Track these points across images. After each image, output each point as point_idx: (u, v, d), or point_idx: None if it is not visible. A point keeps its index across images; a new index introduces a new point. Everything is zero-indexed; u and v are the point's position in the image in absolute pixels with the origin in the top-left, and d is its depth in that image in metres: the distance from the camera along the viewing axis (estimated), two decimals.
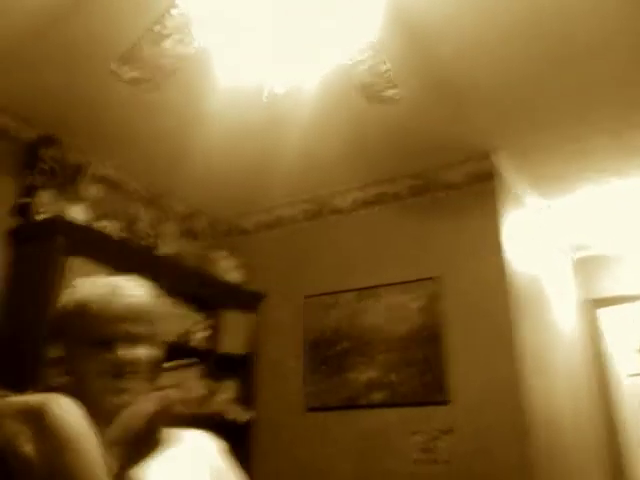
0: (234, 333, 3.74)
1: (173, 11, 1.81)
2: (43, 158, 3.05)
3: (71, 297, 1.22)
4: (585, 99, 2.89)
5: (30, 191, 2.99)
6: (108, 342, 1.17)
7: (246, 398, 3.73)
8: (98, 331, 1.17)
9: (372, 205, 3.74)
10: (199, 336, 3.55)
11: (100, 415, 1.14)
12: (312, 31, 1.83)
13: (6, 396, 0.82)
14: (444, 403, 3.15)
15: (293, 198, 3.96)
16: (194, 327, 3.54)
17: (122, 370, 1.17)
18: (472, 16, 2.35)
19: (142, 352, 1.20)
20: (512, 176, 3.58)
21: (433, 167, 3.54)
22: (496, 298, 3.17)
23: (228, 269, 3.83)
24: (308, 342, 3.67)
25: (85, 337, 1.17)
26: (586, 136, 3.20)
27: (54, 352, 1.23)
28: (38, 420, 0.77)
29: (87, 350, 1.17)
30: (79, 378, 1.18)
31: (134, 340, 1.19)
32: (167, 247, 3.50)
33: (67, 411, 0.82)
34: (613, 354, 4.75)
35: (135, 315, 1.20)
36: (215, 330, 3.64)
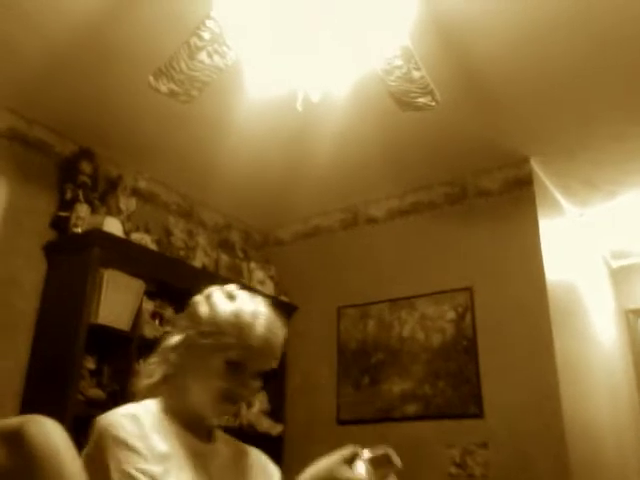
0: None
1: (208, 23, 1.83)
2: (81, 171, 3.10)
3: (227, 305, 1.23)
4: (629, 100, 2.83)
5: (67, 204, 3.04)
6: (237, 365, 1.19)
7: (277, 410, 3.71)
8: (236, 351, 1.18)
9: (407, 214, 3.72)
10: None
11: (188, 420, 1.21)
12: (345, 37, 1.84)
13: None
14: (480, 416, 3.09)
15: (328, 207, 3.96)
16: None
17: (235, 397, 1.21)
18: (508, 18, 2.33)
19: (258, 385, 1.24)
20: (550, 182, 3.52)
21: (469, 173, 3.51)
22: (534, 308, 3.11)
23: (262, 280, 3.84)
24: (341, 353, 3.65)
25: (220, 349, 1.19)
26: (630, 138, 3.12)
27: (173, 338, 1.25)
28: (17, 440, 0.76)
29: (213, 360, 1.19)
30: (187, 379, 1.22)
31: (260, 375, 1.23)
32: (201, 258, 3.51)
33: (47, 430, 0.81)
34: None
35: (271, 353, 1.22)
36: None
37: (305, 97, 1.91)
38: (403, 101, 2.23)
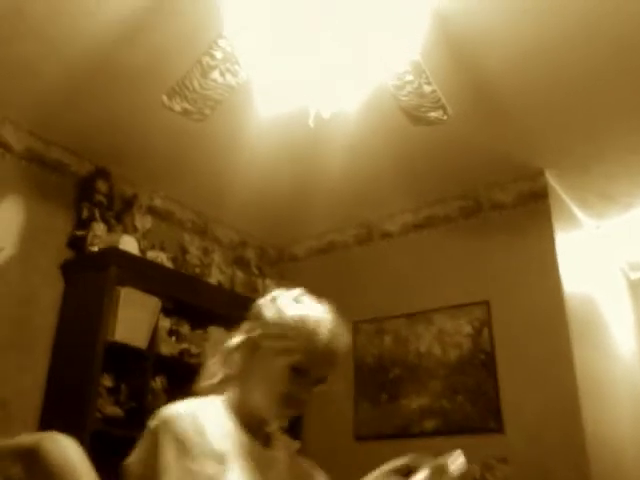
0: None
1: (220, 42, 1.85)
2: (98, 190, 3.14)
3: (294, 310, 1.22)
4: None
5: (84, 223, 3.08)
6: (300, 370, 1.18)
7: (295, 427, 3.69)
8: (300, 356, 1.18)
9: (422, 228, 3.71)
10: None
11: (249, 421, 1.21)
12: (356, 52, 1.85)
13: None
14: (499, 431, 3.06)
15: (343, 223, 3.96)
16: None
17: (297, 402, 1.20)
18: (519, 29, 2.33)
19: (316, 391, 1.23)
20: (565, 195, 3.50)
21: (483, 186, 3.50)
22: (552, 321, 3.07)
23: None
24: (358, 369, 3.63)
25: (285, 353, 1.18)
26: None
27: (236, 338, 1.25)
28: (33, 457, 0.77)
29: (277, 364, 1.18)
30: (250, 381, 1.22)
31: (321, 382, 1.23)
32: (217, 276, 3.53)
33: (63, 447, 0.81)
34: None
35: (334, 359, 1.22)
36: None
37: (317, 113, 1.93)
38: (414, 116, 2.23)
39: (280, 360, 1.18)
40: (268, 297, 1.27)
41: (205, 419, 1.14)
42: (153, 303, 3.03)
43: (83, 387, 2.70)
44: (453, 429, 3.19)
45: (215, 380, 1.27)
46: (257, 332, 1.22)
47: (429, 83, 2.05)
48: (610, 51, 2.43)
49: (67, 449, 0.80)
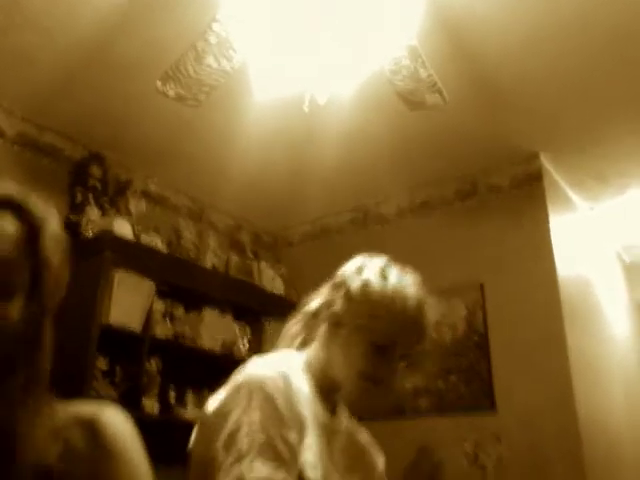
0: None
1: (215, 26, 1.83)
2: (92, 175, 3.12)
3: (379, 284, 1.17)
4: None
5: (78, 208, 3.06)
6: (384, 347, 1.14)
7: None
8: (383, 334, 1.14)
9: (417, 212, 3.71)
10: (243, 346, 3.57)
11: (323, 385, 1.17)
12: (351, 37, 1.83)
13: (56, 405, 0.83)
14: (492, 410, 3.09)
15: (338, 208, 3.95)
16: (238, 338, 3.55)
17: (377, 379, 1.15)
18: (516, 15, 2.31)
19: (403, 367, 1.18)
20: (560, 177, 3.50)
21: (479, 170, 3.50)
22: (546, 303, 3.09)
23: (272, 280, 3.84)
24: None
25: (367, 330, 1.14)
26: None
27: (314, 303, 1.24)
28: (89, 429, 0.78)
29: (358, 340, 1.14)
30: (330, 350, 1.18)
31: (407, 357, 1.17)
32: (211, 259, 3.53)
33: (117, 421, 0.82)
34: None
35: (420, 335, 1.17)
36: (259, 340, 3.65)
37: (312, 98, 1.91)
38: (411, 100, 2.22)
39: (361, 337, 1.14)
40: (353, 266, 1.22)
41: (291, 382, 1.10)
42: (147, 286, 3.03)
43: (78, 370, 2.70)
44: (447, 409, 3.23)
45: (296, 343, 1.26)
46: (340, 307, 1.18)
47: (425, 68, 2.04)
48: (605, 39, 2.43)
49: (123, 425, 0.81)
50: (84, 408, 0.81)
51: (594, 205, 3.87)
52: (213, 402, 1.10)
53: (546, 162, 3.34)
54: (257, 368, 1.11)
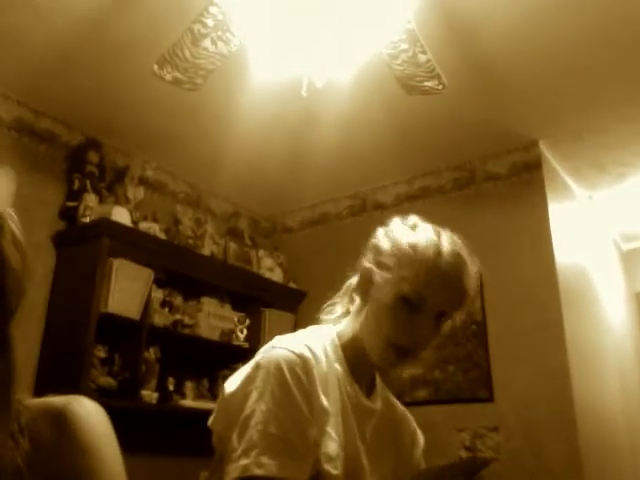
0: (276, 331, 3.73)
1: (212, 9, 1.81)
2: (89, 161, 3.11)
3: (408, 236, 1.12)
4: (639, 81, 2.79)
5: (75, 194, 3.05)
6: (412, 303, 1.07)
7: None
8: (410, 286, 1.07)
9: (416, 199, 3.70)
10: (241, 334, 3.57)
11: (355, 359, 1.13)
12: (349, 20, 1.82)
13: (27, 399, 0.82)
14: (490, 400, 3.10)
15: (336, 194, 3.95)
16: (237, 325, 3.55)
17: (406, 342, 1.08)
18: (513, 0, 2.29)
19: (437, 330, 1.10)
20: (559, 165, 3.50)
21: (477, 158, 3.49)
22: (544, 291, 3.09)
23: (271, 267, 3.84)
24: None
25: (395, 282, 1.08)
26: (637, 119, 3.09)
27: (355, 277, 1.17)
28: (57, 420, 0.77)
29: (387, 294, 1.09)
30: (363, 315, 1.13)
31: (439, 317, 1.09)
32: (210, 247, 3.52)
33: (86, 411, 0.79)
34: None
35: (451, 290, 1.10)
36: (257, 328, 3.65)
37: (310, 83, 1.90)
38: (409, 85, 2.20)
39: (390, 291, 1.08)
40: (383, 230, 1.18)
41: (315, 364, 1.05)
42: (146, 274, 3.02)
43: (76, 358, 2.70)
44: (444, 399, 3.23)
45: (334, 315, 1.23)
46: (371, 264, 1.13)
47: (424, 52, 2.02)
48: (603, 22, 2.41)
49: (94, 416, 0.80)
50: (53, 400, 0.80)
51: (592, 193, 3.87)
52: (234, 379, 1.07)
53: (545, 150, 3.34)
54: (278, 349, 1.05)
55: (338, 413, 1.06)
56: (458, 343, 3.27)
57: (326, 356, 1.10)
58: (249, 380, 1.03)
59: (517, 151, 3.37)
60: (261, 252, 3.88)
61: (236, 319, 3.55)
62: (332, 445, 1.02)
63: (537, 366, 3.01)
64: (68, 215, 3.03)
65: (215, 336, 3.37)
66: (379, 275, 1.11)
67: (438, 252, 1.09)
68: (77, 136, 3.19)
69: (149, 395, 2.95)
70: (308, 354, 1.05)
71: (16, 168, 2.92)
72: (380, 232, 1.18)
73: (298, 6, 1.78)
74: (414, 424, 1.28)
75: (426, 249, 1.09)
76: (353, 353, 1.14)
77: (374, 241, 1.17)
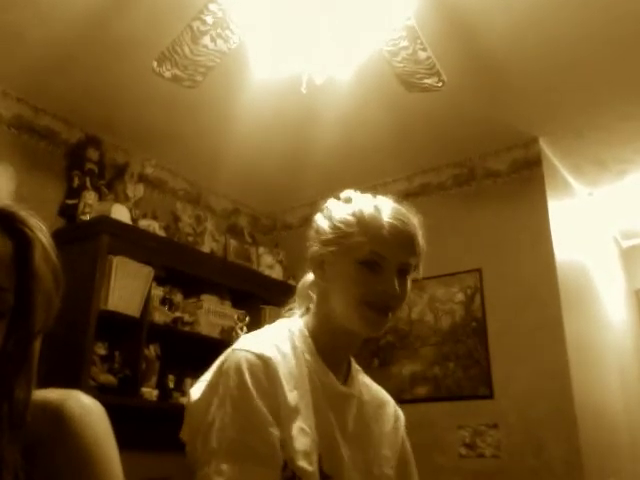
0: None
1: (211, 6, 1.81)
2: (88, 159, 3.11)
3: (346, 208, 1.14)
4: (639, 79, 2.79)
5: (75, 192, 3.05)
6: (370, 264, 1.08)
7: None
8: (363, 249, 1.08)
9: (416, 196, 3.70)
10: (241, 332, 3.57)
11: (329, 348, 1.12)
12: (349, 18, 1.82)
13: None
14: (490, 397, 3.10)
15: (336, 190, 3.92)
16: (237, 323, 3.55)
17: (377, 299, 1.08)
18: None
19: (404, 283, 1.10)
20: (559, 162, 3.50)
21: (477, 155, 3.49)
22: (544, 288, 3.09)
23: (270, 265, 3.84)
24: None
25: (348, 251, 1.09)
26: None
27: (314, 254, 1.16)
28: (54, 415, 0.76)
29: (344, 265, 1.09)
30: (328, 296, 1.12)
31: (402, 271, 1.10)
32: (210, 244, 3.52)
33: (86, 409, 0.78)
34: None
35: (402, 242, 1.09)
36: (257, 326, 3.65)
37: (309, 80, 1.90)
38: (409, 82, 2.20)
39: (346, 261, 1.09)
40: (319, 214, 1.20)
41: (281, 360, 1.04)
42: (145, 272, 3.02)
43: (76, 356, 2.70)
44: (444, 395, 3.24)
45: (299, 312, 1.22)
46: (318, 245, 1.14)
47: (424, 49, 2.02)
48: (603, 19, 2.41)
49: (91, 412, 0.79)
50: (51, 395, 0.79)
51: (593, 190, 3.87)
52: (198, 387, 1.06)
53: (545, 147, 3.34)
54: (238, 351, 1.04)
55: (309, 406, 1.05)
56: (458, 340, 3.27)
57: (294, 348, 1.10)
58: (210, 387, 1.03)
59: (517, 148, 3.37)
60: (261, 249, 3.87)
61: (236, 316, 3.54)
62: (305, 440, 1.01)
63: (537, 363, 3.01)
64: (68, 213, 3.02)
65: (215, 333, 3.37)
66: (328, 252, 1.12)
67: (380, 211, 1.11)
68: (77, 133, 3.19)
69: (149, 392, 2.95)
70: (270, 353, 1.04)
71: (15, 165, 2.92)
72: (317, 216, 1.19)
73: (297, 3, 1.78)
74: (392, 400, 1.28)
75: (369, 212, 1.11)
76: (324, 339, 1.14)
77: (314, 226, 1.18)
